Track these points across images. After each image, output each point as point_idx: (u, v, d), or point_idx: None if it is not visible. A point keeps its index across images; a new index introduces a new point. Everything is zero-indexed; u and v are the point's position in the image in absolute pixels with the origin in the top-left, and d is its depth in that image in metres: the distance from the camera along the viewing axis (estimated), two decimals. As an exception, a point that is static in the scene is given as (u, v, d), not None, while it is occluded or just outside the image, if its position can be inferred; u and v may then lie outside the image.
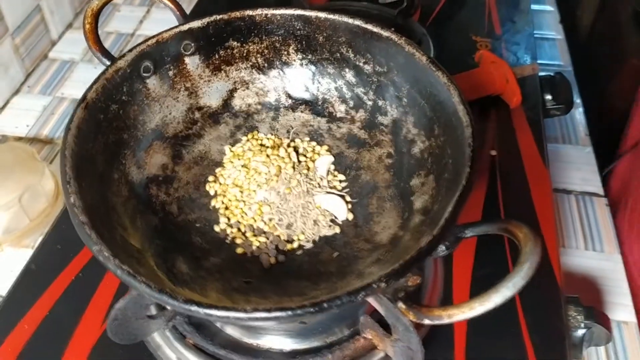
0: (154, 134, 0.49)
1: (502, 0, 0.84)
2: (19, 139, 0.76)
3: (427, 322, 0.32)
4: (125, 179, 0.46)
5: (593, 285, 0.62)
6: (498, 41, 0.75)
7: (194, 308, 0.33)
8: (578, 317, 0.49)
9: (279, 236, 0.47)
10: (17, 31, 0.83)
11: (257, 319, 0.33)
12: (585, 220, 0.68)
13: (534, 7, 0.98)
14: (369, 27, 0.49)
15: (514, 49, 0.74)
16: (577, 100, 0.84)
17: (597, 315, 0.50)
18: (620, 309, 0.59)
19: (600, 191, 0.71)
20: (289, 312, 0.33)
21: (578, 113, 0.81)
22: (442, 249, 0.37)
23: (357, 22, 0.49)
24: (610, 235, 0.66)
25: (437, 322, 0.32)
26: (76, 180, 0.39)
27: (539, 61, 0.88)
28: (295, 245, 0.47)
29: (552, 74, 0.72)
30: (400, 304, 0.34)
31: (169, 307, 0.34)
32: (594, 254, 0.65)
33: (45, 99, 0.82)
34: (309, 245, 0.46)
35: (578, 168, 0.74)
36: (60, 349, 0.47)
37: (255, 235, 0.47)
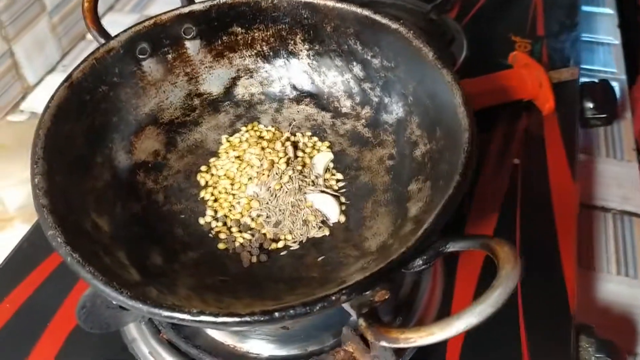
0: (147, 119, 0.48)
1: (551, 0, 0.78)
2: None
3: (383, 343, 0.29)
4: (110, 164, 0.44)
5: (621, 315, 0.56)
6: (538, 43, 0.70)
7: (139, 305, 0.31)
8: (590, 349, 0.44)
9: (265, 234, 0.44)
10: (55, 10, 0.83)
11: (202, 322, 0.30)
12: (620, 242, 0.63)
13: (591, 9, 0.91)
14: (377, 18, 0.45)
15: (555, 52, 0.69)
16: (628, 111, 0.77)
17: (613, 350, 0.45)
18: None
19: (642, 211, 0.65)
20: (237, 319, 0.30)
21: (626, 125, 0.75)
22: (419, 264, 0.33)
23: (366, 12, 0.46)
24: (646, 260, 0.60)
25: (393, 344, 0.28)
26: (46, 161, 0.37)
27: (589, 66, 0.82)
28: (280, 245, 0.44)
29: (596, 80, 0.66)
30: (361, 321, 0.30)
31: (113, 302, 0.32)
32: (626, 280, 0.59)
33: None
34: (295, 247, 0.44)
35: (620, 184, 0.68)
36: (38, 331, 0.46)
37: (240, 232, 0.44)
